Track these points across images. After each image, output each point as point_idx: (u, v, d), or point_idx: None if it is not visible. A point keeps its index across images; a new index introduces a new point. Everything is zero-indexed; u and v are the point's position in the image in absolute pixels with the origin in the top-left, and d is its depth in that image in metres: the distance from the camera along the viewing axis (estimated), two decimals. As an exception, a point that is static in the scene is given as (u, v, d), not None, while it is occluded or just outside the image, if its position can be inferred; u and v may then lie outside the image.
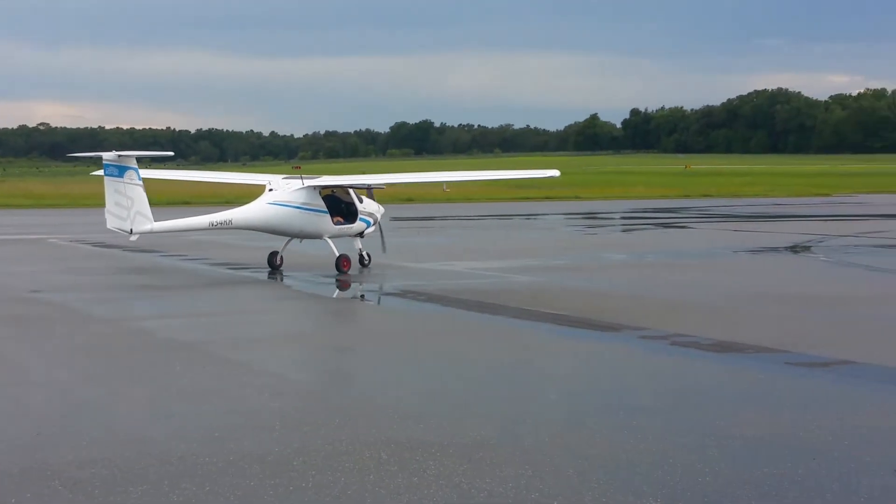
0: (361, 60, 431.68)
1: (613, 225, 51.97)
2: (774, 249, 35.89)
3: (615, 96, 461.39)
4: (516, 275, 27.74)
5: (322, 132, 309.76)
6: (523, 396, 13.72)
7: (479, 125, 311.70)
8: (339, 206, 28.33)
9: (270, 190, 28.43)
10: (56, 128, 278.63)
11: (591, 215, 60.82)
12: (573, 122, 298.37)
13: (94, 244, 38.68)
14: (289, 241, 28.78)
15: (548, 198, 78.39)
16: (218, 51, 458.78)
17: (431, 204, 71.24)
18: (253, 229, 28.77)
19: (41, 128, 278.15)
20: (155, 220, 26.37)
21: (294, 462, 9.91)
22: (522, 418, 12.27)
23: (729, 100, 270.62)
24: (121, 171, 25.88)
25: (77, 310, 21.56)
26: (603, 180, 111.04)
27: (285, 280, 27.26)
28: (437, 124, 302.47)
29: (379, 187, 31.31)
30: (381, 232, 29.50)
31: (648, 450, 10.60)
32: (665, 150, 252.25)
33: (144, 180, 26.78)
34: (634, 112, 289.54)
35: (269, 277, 27.81)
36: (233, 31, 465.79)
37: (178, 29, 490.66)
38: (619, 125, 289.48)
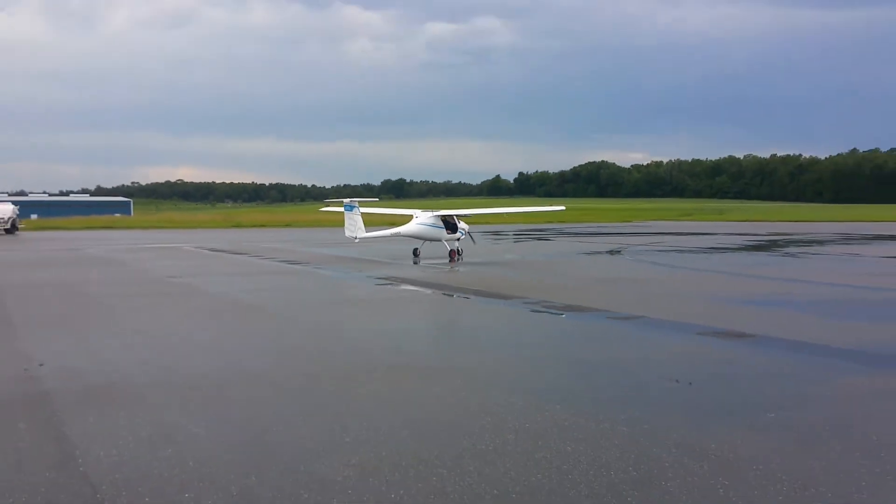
0: (367, 144, 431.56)
1: (508, 239, 51.99)
2: (599, 252, 36.10)
3: (510, 164, 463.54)
4: (446, 270, 27.70)
5: (342, 185, 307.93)
6: (452, 335, 13.78)
7: (432, 181, 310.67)
8: (449, 224, 30.34)
9: (416, 217, 30.40)
10: (187, 181, 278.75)
11: (496, 234, 60.89)
12: (486, 179, 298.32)
13: (210, 249, 38.46)
14: (423, 243, 30.40)
15: (483, 221, 78.23)
16: (283, 137, 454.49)
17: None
18: (410, 237, 30.27)
19: (178, 181, 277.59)
20: (365, 232, 29.51)
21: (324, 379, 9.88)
22: (454, 348, 12.32)
23: (574, 166, 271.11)
24: (350, 208, 29.19)
25: (196, 287, 21.42)
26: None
27: (323, 270, 27.03)
28: (408, 181, 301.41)
29: (467, 216, 32.84)
30: (472, 237, 32.27)
31: (527, 366, 10.78)
32: (539, 196, 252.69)
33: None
34: (521, 174, 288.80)
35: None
36: (291, 124, 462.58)
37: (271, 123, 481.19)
38: (512, 181, 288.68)
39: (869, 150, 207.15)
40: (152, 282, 22.77)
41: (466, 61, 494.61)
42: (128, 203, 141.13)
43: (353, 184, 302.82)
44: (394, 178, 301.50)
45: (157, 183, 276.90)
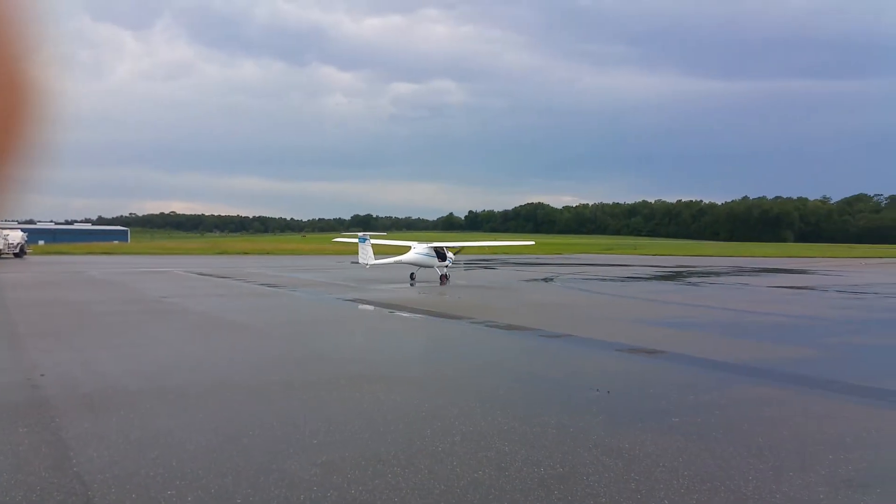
0: (339, 183, 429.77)
1: (459, 267, 52.12)
2: (536, 280, 36.32)
3: (461, 203, 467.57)
4: (409, 291, 27.57)
5: (317, 218, 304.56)
6: (408, 350, 13.65)
7: (395, 216, 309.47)
8: (440, 254, 31.51)
9: (413, 248, 31.48)
10: (179, 213, 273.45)
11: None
12: (441, 216, 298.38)
13: (198, 273, 37.62)
14: (419, 269, 31.60)
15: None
16: (266, 176, 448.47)
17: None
18: (409, 264, 31.32)
19: (171, 213, 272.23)
20: (375, 260, 30.50)
21: (290, 387, 9.66)
22: (409, 360, 12.20)
23: (515, 207, 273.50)
24: (363, 240, 30.38)
25: (185, 306, 20.87)
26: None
27: (297, 293, 26.61)
28: (374, 216, 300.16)
29: (453, 247, 34.15)
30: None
31: (472, 377, 10.73)
32: (486, 232, 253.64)
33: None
34: (471, 212, 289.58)
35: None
36: (273, 165, 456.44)
37: (248, 163, 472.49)
38: (463, 218, 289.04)
39: (757, 198, 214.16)
40: (146, 301, 22.14)
41: (425, 115, 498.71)
42: (125, 232, 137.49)
43: (326, 217, 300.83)
44: (362, 213, 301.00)
45: (152, 214, 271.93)
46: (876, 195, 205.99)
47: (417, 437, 7.29)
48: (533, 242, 45.76)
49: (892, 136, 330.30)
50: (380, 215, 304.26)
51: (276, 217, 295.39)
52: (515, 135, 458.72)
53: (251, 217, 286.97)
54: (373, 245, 31.09)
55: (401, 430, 7.57)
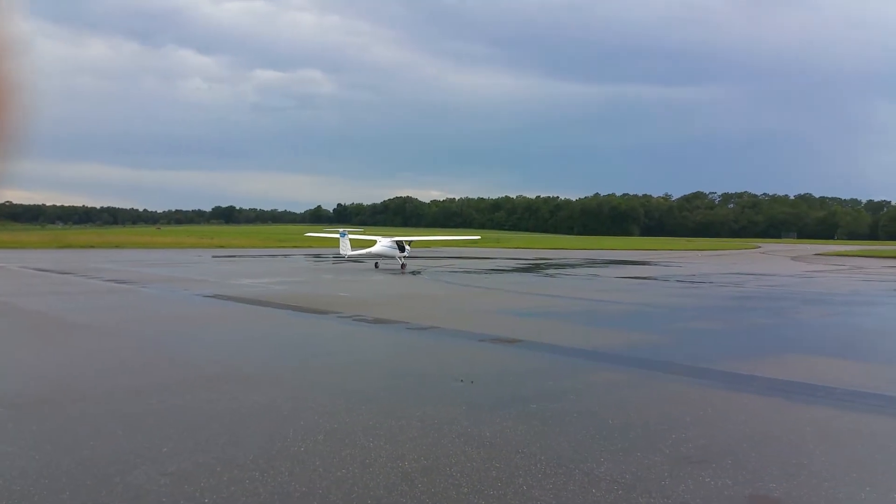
0: (199, 172, 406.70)
1: (328, 261, 50.94)
2: (403, 273, 36.29)
3: (329, 196, 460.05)
4: (275, 286, 26.61)
5: (174, 209, 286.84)
6: (270, 347, 13.13)
7: (260, 209, 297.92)
8: (400, 246, 37.04)
9: (379, 242, 36.48)
10: (15, 203, 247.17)
11: (316, 256, 59.37)
12: (309, 209, 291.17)
13: (36, 269, 34.17)
14: (382, 259, 37.23)
15: (295, 245, 75.30)
16: (116, 164, 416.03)
17: (204, 248, 67.54)
18: (376, 257, 36.80)
19: (6, 203, 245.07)
20: (352, 251, 35.88)
21: (160, 391, 8.95)
22: (271, 358, 11.74)
23: (384, 200, 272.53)
24: (343, 235, 35.79)
25: (16, 305, 18.85)
26: (326, 241, 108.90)
27: (148, 289, 24.79)
28: (237, 208, 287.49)
29: (410, 240, 39.51)
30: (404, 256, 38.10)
31: (338, 373, 10.53)
32: (355, 225, 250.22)
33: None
34: (340, 205, 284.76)
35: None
36: (124, 152, 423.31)
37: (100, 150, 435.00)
38: (332, 211, 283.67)
39: (607, 195, 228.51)
40: (-29, 301, 19.76)
41: (292, 105, 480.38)
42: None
43: (184, 209, 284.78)
44: (224, 204, 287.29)
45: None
46: (711, 193, 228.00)
47: (278, 439, 7.00)
48: (479, 237, 53.40)
49: (724, 139, 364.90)
50: (244, 207, 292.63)
51: (128, 208, 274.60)
52: (384, 128, 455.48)
53: (99, 208, 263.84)
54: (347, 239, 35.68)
55: (260, 433, 7.23)
